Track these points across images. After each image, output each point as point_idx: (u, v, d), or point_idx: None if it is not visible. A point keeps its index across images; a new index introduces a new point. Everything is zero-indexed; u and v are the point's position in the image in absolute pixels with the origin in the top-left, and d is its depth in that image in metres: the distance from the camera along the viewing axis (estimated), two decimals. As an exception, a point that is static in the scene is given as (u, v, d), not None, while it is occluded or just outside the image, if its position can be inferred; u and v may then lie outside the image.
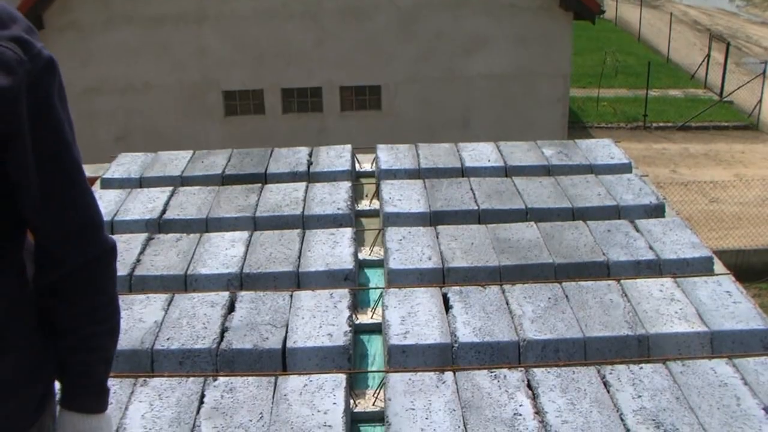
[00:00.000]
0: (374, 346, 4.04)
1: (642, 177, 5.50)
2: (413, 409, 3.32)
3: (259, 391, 3.45)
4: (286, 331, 3.85)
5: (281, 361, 3.75)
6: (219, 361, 3.75)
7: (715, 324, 3.88)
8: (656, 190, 5.34)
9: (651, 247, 4.55)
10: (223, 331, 3.88)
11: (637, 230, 4.74)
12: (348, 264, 4.42)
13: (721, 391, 3.41)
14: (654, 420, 3.24)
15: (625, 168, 5.71)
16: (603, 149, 5.96)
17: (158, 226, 5.02)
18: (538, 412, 3.31)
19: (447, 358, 3.74)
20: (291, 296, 4.13)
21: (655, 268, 4.44)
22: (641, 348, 3.80)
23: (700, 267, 4.48)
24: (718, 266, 4.59)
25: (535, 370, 3.54)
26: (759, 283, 14.29)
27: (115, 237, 4.75)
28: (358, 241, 4.82)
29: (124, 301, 4.12)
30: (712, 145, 21.53)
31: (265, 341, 3.79)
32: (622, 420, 3.25)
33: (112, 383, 3.49)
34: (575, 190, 5.24)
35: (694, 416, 3.26)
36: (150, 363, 3.78)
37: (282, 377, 3.54)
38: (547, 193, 5.18)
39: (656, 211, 5.11)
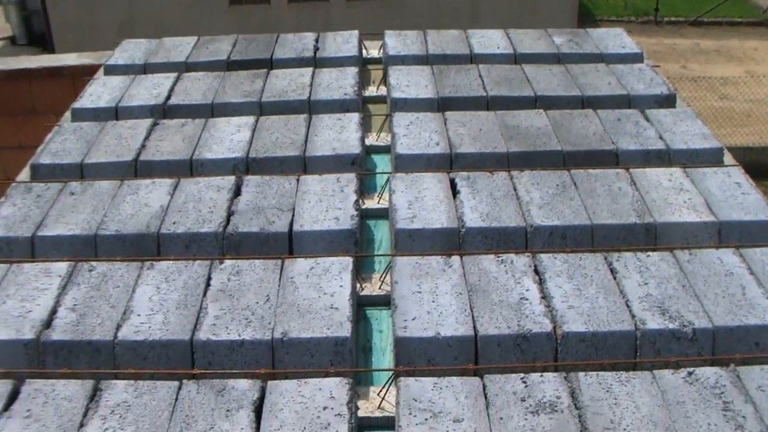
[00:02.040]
0: (381, 231, 4.03)
1: (653, 67, 5.40)
2: (420, 292, 3.32)
3: (266, 273, 3.45)
4: (293, 215, 3.83)
5: (287, 245, 3.74)
6: (225, 245, 3.75)
7: (723, 214, 3.86)
8: (667, 81, 5.25)
9: (661, 137, 4.50)
10: (229, 215, 3.86)
11: (648, 120, 4.68)
12: (355, 149, 4.38)
13: (727, 280, 3.41)
14: (659, 307, 3.24)
15: (637, 58, 5.61)
16: (614, 39, 5.84)
17: (163, 111, 4.97)
18: (545, 296, 3.31)
19: (454, 242, 3.73)
20: (297, 180, 4.10)
21: (665, 157, 4.40)
22: (648, 236, 3.78)
23: (710, 158, 4.43)
24: (728, 158, 4.54)
25: (541, 255, 3.53)
26: (766, 182, 14.25)
27: (119, 123, 4.77)
28: (365, 127, 4.76)
29: (130, 186, 4.11)
30: (724, 42, 21.19)
31: (271, 225, 3.78)
32: (628, 306, 3.25)
33: (120, 266, 3.51)
34: (585, 78, 5.16)
35: (700, 304, 3.26)
36: (156, 247, 3.78)
37: (288, 260, 3.53)
38: (557, 82, 5.10)
39: (667, 101, 5.03)
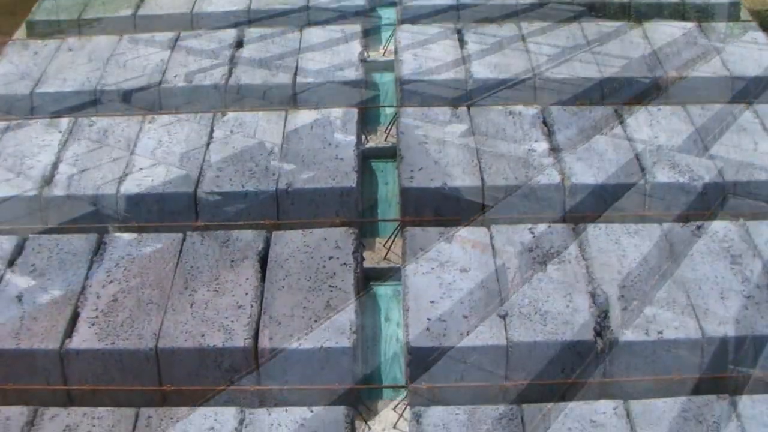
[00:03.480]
0: (386, 84, 3.95)
1: None
2: (426, 143, 3.26)
3: (270, 125, 3.39)
4: (296, 67, 3.76)
5: (292, 96, 3.68)
6: (228, 97, 3.67)
7: (737, 70, 3.78)
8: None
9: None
10: (232, 67, 3.79)
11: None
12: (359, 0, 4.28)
13: (740, 135, 3.35)
14: (670, 161, 3.20)
15: None
16: None
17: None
18: (553, 148, 3.25)
19: (461, 94, 3.66)
20: (301, 32, 4.01)
21: (680, 11, 4.32)
22: (660, 90, 3.71)
23: (727, 13, 4.36)
24: (745, 14, 4.45)
25: (551, 107, 3.47)
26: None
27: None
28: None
29: (129, 41, 4.02)
30: None
31: (274, 77, 3.70)
32: (638, 159, 3.20)
33: (120, 121, 3.45)
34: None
35: (710, 158, 3.21)
36: (158, 100, 3.71)
37: (292, 112, 3.47)
38: None
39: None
